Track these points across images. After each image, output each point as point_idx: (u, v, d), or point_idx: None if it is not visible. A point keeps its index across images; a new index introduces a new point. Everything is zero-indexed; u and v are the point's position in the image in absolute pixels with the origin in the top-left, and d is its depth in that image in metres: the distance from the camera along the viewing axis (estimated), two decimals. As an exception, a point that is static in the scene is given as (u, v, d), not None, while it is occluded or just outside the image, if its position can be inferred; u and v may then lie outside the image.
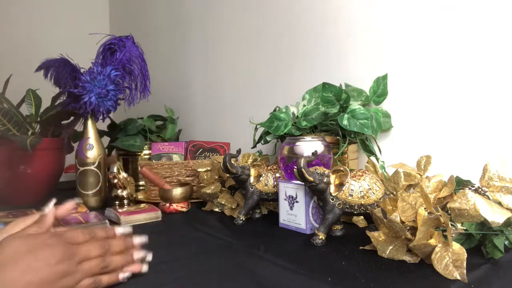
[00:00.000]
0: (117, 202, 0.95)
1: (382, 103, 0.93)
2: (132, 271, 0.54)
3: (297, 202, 0.77)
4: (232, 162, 0.85)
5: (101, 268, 0.49)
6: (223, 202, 0.94)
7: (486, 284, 0.50)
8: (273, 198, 0.85)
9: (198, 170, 1.03)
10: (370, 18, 0.96)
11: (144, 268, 0.55)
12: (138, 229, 0.80)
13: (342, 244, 0.68)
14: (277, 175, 0.86)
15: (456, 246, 0.54)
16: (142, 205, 0.96)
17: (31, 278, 0.43)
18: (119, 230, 0.55)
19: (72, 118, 1.21)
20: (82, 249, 0.48)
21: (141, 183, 1.32)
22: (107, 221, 0.82)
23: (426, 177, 0.68)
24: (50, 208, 0.54)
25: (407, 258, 0.58)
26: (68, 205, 0.58)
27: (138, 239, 0.56)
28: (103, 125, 1.24)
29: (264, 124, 0.94)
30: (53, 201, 0.56)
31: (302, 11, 1.13)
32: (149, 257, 0.57)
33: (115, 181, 0.93)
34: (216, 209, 0.96)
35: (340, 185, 0.69)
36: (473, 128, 0.80)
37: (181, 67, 1.69)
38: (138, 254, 0.55)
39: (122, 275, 0.52)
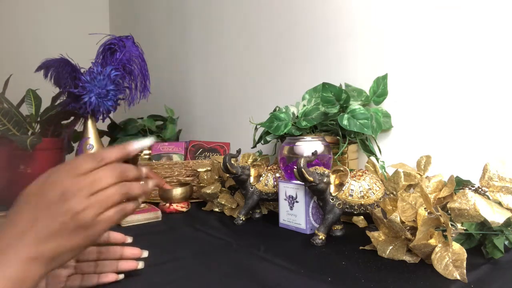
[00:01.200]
0: (117, 202, 0.95)
1: (382, 103, 0.93)
2: (128, 269, 0.54)
3: (297, 202, 0.77)
4: (232, 162, 0.85)
5: (122, 194, 0.41)
6: (223, 202, 0.94)
7: (486, 284, 0.50)
8: (273, 198, 0.85)
9: (198, 170, 1.03)
10: (370, 18, 0.96)
11: (140, 265, 0.55)
12: (138, 229, 0.80)
13: (342, 244, 0.68)
14: (277, 175, 0.86)
15: (456, 246, 0.54)
16: (142, 205, 0.96)
17: (38, 230, 0.37)
18: (135, 145, 0.45)
19: (72, 118, 1.21)
20: (89, 179, 0.39)
21: (141, 183, 1.31)
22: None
23: (426, 177, 0.68)
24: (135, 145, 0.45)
25: (407, 258, 0.58)
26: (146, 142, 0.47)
27: (145, 170, 0.47)
28: (103, 125, 1.24)
29: (264, 124, 0.94)
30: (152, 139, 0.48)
31: (302, 11, 1.13)
32: (145, 253, 0.57)
33: (115, 181, 0.93)
34: (216, 209, 0.96)
35: (340, 185, 0.69)
36: (473, 128, 0.80)
37: (181, 67, 1.69)
38: (153, 182, 0.48)
39: (118, 276, 0.52)
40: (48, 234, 0.37)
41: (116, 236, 0.56)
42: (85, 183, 0.39)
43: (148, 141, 0.47)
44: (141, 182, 0.46)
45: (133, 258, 0.56)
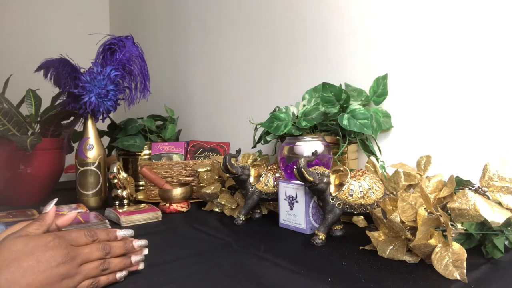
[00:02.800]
0: (117, 202, 0.95)
1: (382, 103, 0.93)
2: (128, 269, 0.54)
3: (297, 202, 0.77)
4: (232, 162, 0.85)
5: (101, 270, 0.50)
6: (223, 202, 0.94)
7: (486, 284, 0.50)
8: (273, 198, 0.85)
9: (198, 170, 1.03)
10: (370, 18, 0.96)
11: (141, 266, 0.56)
12: (138, 229, 0.80)
13: (342, 244, 0.68)
14: (277, 175, 0.86)
15: (456, 246, 0.54)
16: (142, 205, 0.96)
17: (32, 280, 0.43)
18: (120, 232, 0.56)
19: (72, 118, 1.21)
20: (83, 252, 0.49)
21: (141, 183, 1.32)
22: (107, 221, 0.82)
23: (426, 177, 0.68)
24: (51, 206, 0.54)
25: (407, 258, 0.58)
26: (70, 215, 0.57)
27: (139, 242, 0.56)
28: (103, 125, 1.24)
29: (264, 124, 0.94)
30: (55, 200, 0.56)
31: (302, 11, 1.13)
32: (145, 251, 0.57)
33: (115, 181, 0.93)
34: (216, 209, 0.96)
35: (340, 185, 0.69)
36: (473, 128, 0.80)
37: (181, 67, 1.69)
38: (136, 257, 0.55)
39: (119, 275, 0.53)
40: (39, 285, 0.43)
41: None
42: (79, 256, 0.48)
43: (129, 232, 0.57)
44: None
45: (140, 253, 0.57)
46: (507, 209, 0.55)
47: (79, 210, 0.56)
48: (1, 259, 0.43)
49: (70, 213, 0.56)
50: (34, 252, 0.44)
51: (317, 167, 0.71)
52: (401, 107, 0.91)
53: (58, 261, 0.45)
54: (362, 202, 0.68)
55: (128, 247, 0.55)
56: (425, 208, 0.58)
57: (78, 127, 1.19)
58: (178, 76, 1.72)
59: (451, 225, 0.58)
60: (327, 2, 1.06)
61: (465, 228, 0.60)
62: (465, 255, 0.52)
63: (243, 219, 0.84)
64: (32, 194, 1.10)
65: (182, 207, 0.97)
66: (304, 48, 1.13)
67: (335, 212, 0.69)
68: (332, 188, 0.69)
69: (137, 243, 0.56)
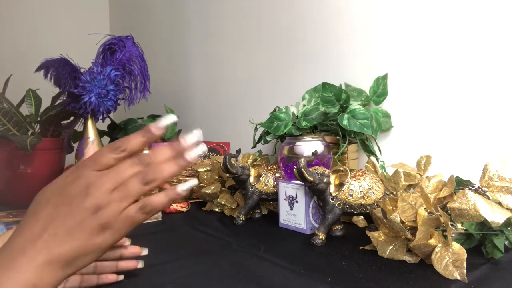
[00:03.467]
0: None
1: (382, 103, 0.93)
2: (128, 268, 0.54)
3: (297, 202, 0.77)
4: (232, 162, 0.85)
5: (145, 183, 0.36)
6: (223, 202, 0.94)
7: (486, 284, 0.50)
8: (273, 198, 0.85)
9: (198, 170, 1.03)
10: (370, 18, 0.96)
11: (140, 264, 0.55)
12: (138, 229, 0.80)
13: (342, 244, 0.68)
14: (277, 175, 0.86)
15: (456, 246, 0.54)
16: (142, 205, 0.96)
17: (55, 230, 0.34)
18: (160, 124, 0.40)
19: (72, 118, 1.21)
20: (111, 173, 0.36)
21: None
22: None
23: (426, 177, 0.68)
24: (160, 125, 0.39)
25: (407, 258, 0.58)
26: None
27: (192, 137, 0.39)
28: (103, 125, 1.24)
29: (264, 124, 0.94)
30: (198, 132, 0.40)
31: (302, 11, 1.13)
32: (145, 251, 0.57)
33: (115, 181, 0.93)
34: (216, 209, 0.96)
35: (340, 185, 0.69)
36: (473, 128, 0.80)
37: (181, 67, 1.69)
38: (193, 153, 0.38)
39: (181, 187, 0.38)
40: (66, 234, 0.34)
41: None
42: (108, 177, 0.35)
43: (170, 119, 0.40)
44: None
45: (133, 257, 0.56)
46: (507, 209, 0.55)
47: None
48: (28, 213, 0.36)
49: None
50: (50, 199, 0.35)
51: (317, 167, 0.71)
52: (401, 107, 0.91)
53: (79, 196, 0.34)
54: (362, 202, 0.68)
55: (179, 147, 0.38)
56: (425, 208, 0.58)
57: (78, 127, 1.19)
58: (178, 76, 1.71)
59: (451, 225, 0.58)
60: (327, 2, 1.06)
61: (465, 228, 0.60)
62: (465, 255, 0.52)
63: (243, 219, 0.84)
64: (32, 194, 1.09)
65: (182, 207, 0.97)
66: (304, 48, 1.13)
67: (335, 212, 0.69)
68: (332, 188, 0.69)
69: (190, 138, 0.39)
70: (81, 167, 0.36)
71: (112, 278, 0.53)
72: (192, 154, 0.38)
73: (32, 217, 0.35)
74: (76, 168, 0.37)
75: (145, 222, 0.88)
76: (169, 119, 0.40)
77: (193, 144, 0.38)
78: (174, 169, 0.37)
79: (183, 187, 0.38)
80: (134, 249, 0.56)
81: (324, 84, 0.87)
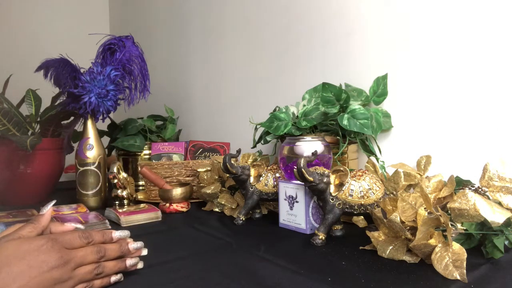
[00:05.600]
0: (117, 202, 0.95)
1: (382, 103, 0.93)
2: (126, 270, 0.54)
3: (297, 202, 0.77)
4: (232, 162, 0.85)
5: (95, 274, 0.49)
6: (223, 202, 0.94)
7: (486, 284, 0.50)
8: (273, 198, 0.85)
9: (198, 170, 1.03)
10: (370, 17, 0.96)
11: (140, 265, 0.55)
12: (138, 229, 0.80)
13: (342, 244, 0.68)
14: (277, 175, 0.86)
15: (456, 246, 0.54)
16: (142, 205, 0.96)
17: (23, 285, 0.41)
18: (116, 233, 0.54)
19: (72, 118, 1.21)
20: (78, 255, 0.47)
21: (141, 183, 1.32)
22: (107, 221, 0.82)
23: (426, 177, 0.68)
24: (48, 208, 0.53)
25: (407, 258, 0.58)
26: (68, 227, 0.54)
27: (134, 245, 0.55)
28: (103, 125, 1.24)
29: (264, 124, 0.94)
30: (52, 202, 0.55)
31: (302, 11, 1.13)
32: (144, 251, 0.57)
33: (115, 181, 0.93)
34: (216, 209, 0.96)
35: (340, 185, 0.69)
36: (473, 128, 0.80)
37: (181, 67, 1.69)
38: (132, 261, 0.54)
39: (114, 278, 0.51)
40: None
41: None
42: (73, 256, 0.46)
43: (125, 233, 0.55)
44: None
45: (136, 255, 0.55)
46: (507, 209, 0.55)
47: (78, 226, 0.55)
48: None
49: (68, 225, 0.54)
50: (25, 256, 0.43)
51: (317, 167, 0.71)
52: (401, 107, 0.91)
53: (51, 266, 0.44)
54: (362, 202, 0.68)
55: (124, 249, 0.53)
56: (425, 208, 0.58)
57: (78, 127, 1.19)
58: (178, 76, 1.72)
59: (451, 225, 0.58)
60: (327, 2, 1.06)
61: (465, 228, 0.60)
62: (465, 255, 0.52)
63: (243, 219, 0.84)
64: (32, 194, 1.10)
65: (182, 207, 0.97)
66: (304, 48, 1.13)
67: (335, 212, 0.69)
68: (332, 188, 0.69)
69: (133, 245, 0.54)
70: (55, 241, 0.46)
71: (114, 279, 0.52)
72: (132, 262, 0.54)
73: (6, 268, 0.42)
74: (51, 240, 0.46)
75: (145, 222, 0.88)
76: (123, 234, 0.56)
77: (136, 251, 0.55)
78: (117, 269, 0.52)
79: (116, 278, 0.52)
80: (137, 244, 0.56)
81: (324, 84, 0.87)
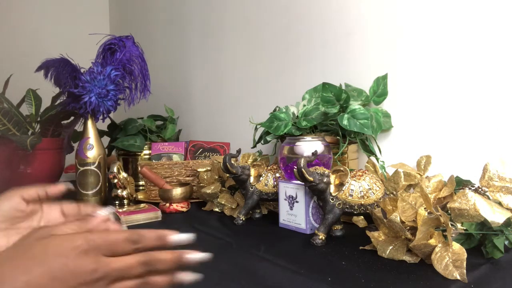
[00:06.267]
0: (117, 202, 0.95)
1: (382, 103, 0.93)
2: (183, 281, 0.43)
3: (297, 202, 0.77)
4: (232, 162, 0.85)
5: None
6: (223, 202, 0.94)
7: (486, 284, 0.50)
8: (273, 198, 0.85)
9: (198, 170, 1.03)
10: (370, 18, 0.96)
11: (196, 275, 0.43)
12: (138, 229, 0.80)
13: (342, 244, 0.68)
14: (277, 175, 0.86)
15: (456, 246, 0.54)
16: (142, 205, 0.96)
17: None
18: (174, 237, 0.41)
19: (72, 118, 1.21)
20: (119, 266, 0.35)
21: (141, 183, 1.32)
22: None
23: (426, 177, 0.68)
24: (105, 213, 0.43)
25: (407, 258, 0.58)
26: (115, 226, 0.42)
27: (193, 256, 0.41)
28: (103, 125, 1.24)
29: (264, 124, 0.94)
30: (112, 208, 0.44)
31: (302, 11, 1.13)
32: (191, 236, 0.43)
33: (115, 181, 0.93)
34: (216, 209, 0.96)
35: (340, 185, 0.69)
36: (473, 128, 0.80)
37: (181, 67, 1.69)
38: (187, 276, 0.41)
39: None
40: None
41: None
42: (111, 269, 0.35)
43: (187, 237, 0.42)
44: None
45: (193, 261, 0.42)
46: (507, 209, 0.55)
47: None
48: (9, 267, 0.32)
49: (113, 224, 0.42)
50: (51, 264, 0.32)
51: (317, 167, 0.71)
52: (401, 107, 0.91)
53: (80, 281, 0.33)
54: (362, 202, 0.68)
55: (177, 261, 0.39)
56: (425, 208, 0.58)
57: (78, 127, 1.19)
58: (178, 76, 1.72)
59: (451, 225, 0.58)
60: (327, 2, 1.06)
61: (465, 228, 0.60)
62: (465, 255, 0.52)
63: (243, 219, 0.84)
64: (32, 194, 1.10)
65: (182, 207, 0.97)
66: (304, 48, 1.13)
67: (335, 212, 0.69)
68: (332, 188, 0.69)
69: (191, 256, 0.41)
70: (95, 243, 0.35)
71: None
72: (188, 278, 0.41)
73: (25, 276, 0.32)
74: (89, 242, 0.35)
75: (145, 222, 0.88)
76: (184, 237, 0.42)
77: (189, 262, 0.41)
78: (165, 283, 0.39)
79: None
80: (195, 254, 0.43)
81: (324, 84, 0.87)
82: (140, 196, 1.13)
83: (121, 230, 0.39)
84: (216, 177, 1.00)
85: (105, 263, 0.34)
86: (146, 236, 0.38)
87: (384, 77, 0.92)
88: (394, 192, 0.71)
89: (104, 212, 0.43)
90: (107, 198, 1.08)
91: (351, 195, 0.69)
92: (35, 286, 0.32)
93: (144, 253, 0.37)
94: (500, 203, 0.57)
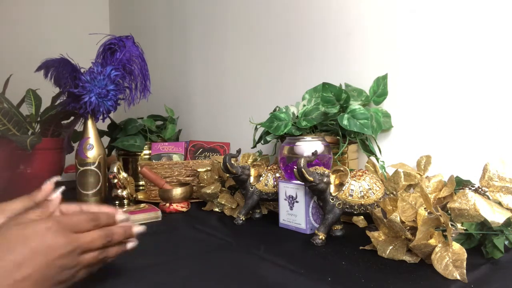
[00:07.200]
0: (117, 202, 0.95)
1: (382, 103, 0.93)
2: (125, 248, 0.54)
3: (297, 202, 0.77)
4: (232, 162, 0.85)
5: (100, 259, 0.47)
6: (223, 202, 0.94)
7: (486, 284, 0.50)
8: (273, 198, 0.85)
9: (198, 170, 1.03)
10: (370, 18, 0.96)
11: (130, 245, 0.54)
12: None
13: (342, 244, 0.68)
14: (277, 175, 0.86)
15: (456, 246, 0.54)
16: (142, 205, 0.96)
17: (28, 274, 0.39)
18: (120, 217, 0.52)
19: (72, 118, 1.21)
20: (86, 240, 0.45)
21: (141, 183, 1.32)
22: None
23: (426, 177, 0.68)
24: (57, 194, 0.51)
25: (407, 258, 0.58)
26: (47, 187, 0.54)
27: (138, 229, 0.53)
28: (103, 125, 1.24)
29: (264, 124, 0.94)
30: (61, 188, 0.53)
31: (302, 11, 1.13)
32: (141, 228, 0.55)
33: (115, 181, 0.93)
34: (216, 209, 0.96)
35: (340, 185, 0.69)
36: (473, 128, 0.80)
37: (181, 67, 1.69)
38: (132, 244, 0.53)
39: (111, 259, 0.51)
40: (25, 279, 0.39)
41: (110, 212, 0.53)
42: (81, 242, 0.44)
43: (126, 217, 0.54)
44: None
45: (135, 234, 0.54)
46: (507, 209, 0.55)
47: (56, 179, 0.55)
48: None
49: (75, 206, 0.52)
50: (30, 241, 0.40)
51: (317, 167, 0.71)
52: (401, 107, 0.91)
53: (58, 253, 0.41)
54: (362, 202, 0.68)
55: (128, 234, 0.51)
56: (425, 208, 0.58)
57: (78, 127, 1.19)
58: (178, 76, 1.72)
59: (451, 225, 0.58)
60: (327, 2, 1.06)
61: (465, 228, 0.60)
62: (465, 255, 0.52)
63: (243, 219, 0.84)
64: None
65: (182, 207, 0.97)
66: (304, 48, 1.13)
67: (335, 212, 0.69)
68: (332, 188, 0.69)
69: (137, 229, 0.53)
70: (62, 224, 0.44)
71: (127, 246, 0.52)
72: (132, 245, 0.53)
73: (10, 255, 0.39)
74: (58, 223, 0.44)
75: (145, 222, 0.88)
76: (125, 217, 0.54)
77: (136, 235, 0.54)
78: (118, 253, 0.51)
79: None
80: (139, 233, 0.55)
81: (324, 84, 0.87)
82: (140, 196, 1.13)
83: (81, 212, 0.50)
84: (216, 177, 1.00)
85: (75, 238, 0.44)
86: (100, 216, 0.49)
87: (384, 77, 0.92)
88: (394, 192, 0.71)
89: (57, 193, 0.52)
90: (107, 198, 1.08)
91: (351, 195, 0.69)
92: (20, 261, 0.39)
93: (103, 228, 0.48)
94: (500, 203, 0.57)
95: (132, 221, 0.55)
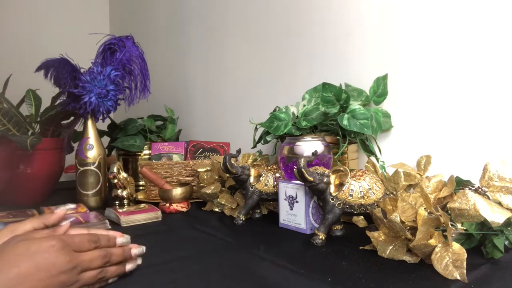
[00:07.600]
0: (117, 202, 0.95)
1: (382, 103, 0.93)
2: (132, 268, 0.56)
3: (297, 202, 0.77)
4: (232, 162, 0.85)
5: (98, 279, 0.50)
6: (223, 202, 0.94)
7: (486, 284, 0.50)
8: (273, 198, 0.85)
9: (198, 170, 1.03)
10: (371, 18, 0.96)
11: (139, 261, 0.57)
12: (138, 229, 0.81)
13: (342, 244, 0.68)
14: (277, 175, 0.86)
15: (456, 246, 0.54)
16: (142, 205, 0.96)
17: (29, 286, 0.42)
18: (119, 240, 0.55)
19: (72, 118, 1.21)
20: (85, 259, 0.48)
21: (141, 183, 1.32)
22: (107, 221, 0.82)
23: (426, 177, 0.68)
24: (67, 222, 0.55)
25: (407, 258, 0.58)
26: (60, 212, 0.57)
27: (136, 251, 0.56)
28: (103, 125, 1.24)
29: (264, 124, 0.94)
30: (70, 205, 0.57)
31: (302, 11, 1.13)
32: (139, 261, 0.57)
33: (115, 181, 0.93)
34: (216, 209, 0.96)
35: (340, 185, 0.69)
36: (473, 128, 0.80)
37: (181, 67, 1.69)
38: (131, 265, 0.55)
39: (111, 280, 0.52)
40: None
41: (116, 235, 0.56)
42: (81, 261, 0.47)
43: (127, 240, 0.56)
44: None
45: (134, 259, 0.56)
46: (507, 209, 0.55)
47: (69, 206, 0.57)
48: (0, 263, 0.42)
49: (79, 230, 0.55)
50: (34, 258, 0.43)
51: (317, 167, 0.71)
52: (401, 107, 0.91)
53: (59, 270, 0.44)
54: (362, 202, 0.68)
55: (127, 255, 0.54)
56: (425, 208, 0.58)
57: (78, 127, 1.19)
58: (178, 76, 1.72)
59: (451, 225, 0.58)
60: (328, 2, 1.06)
61: (465, 228, 0.60)
62: (465, 255, 0.52)
63: (243, 219, 0.84)
64: (32, 194, 1.10)
65: (182, 207, 0.97)
66: (304, 48, 1.13)
67: (335, 212, 0.69)
68: (332, 188, 0.69)
69: (135, 251, 0.55)
70: (64, 242, 0.47)
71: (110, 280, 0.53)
72: (131, 267, 0.55)
73: (15, 269, 0.42)
74: (61, 241, 0.46)
75: (145, 222, 0.88)
76: (125, 240, 0.56)
77: (135, 256, 0.56)
78: (117, 274, 0.53)
79: (113, 279, 0.53)
80: (138, 249, 0.57)
81: (324, 84, 0.87)
82: (140, 196, 1.13)
83: (83, 234, 0.52)
84: (216, 177, 1.00)
85: (76, 256, 0.47)
86: (101, 237, 0.52)
87: (384, 77, 0.92)
88: (394, 192, 0.71)
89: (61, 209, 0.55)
90: (107, 198, 1.08)
91: (351, 195, 0.69)
92: (25, 275, 0.42)
93: (103, 248, 0.51)
94: (500, 203, 0.57)
95: (132, 245, 0.57)
